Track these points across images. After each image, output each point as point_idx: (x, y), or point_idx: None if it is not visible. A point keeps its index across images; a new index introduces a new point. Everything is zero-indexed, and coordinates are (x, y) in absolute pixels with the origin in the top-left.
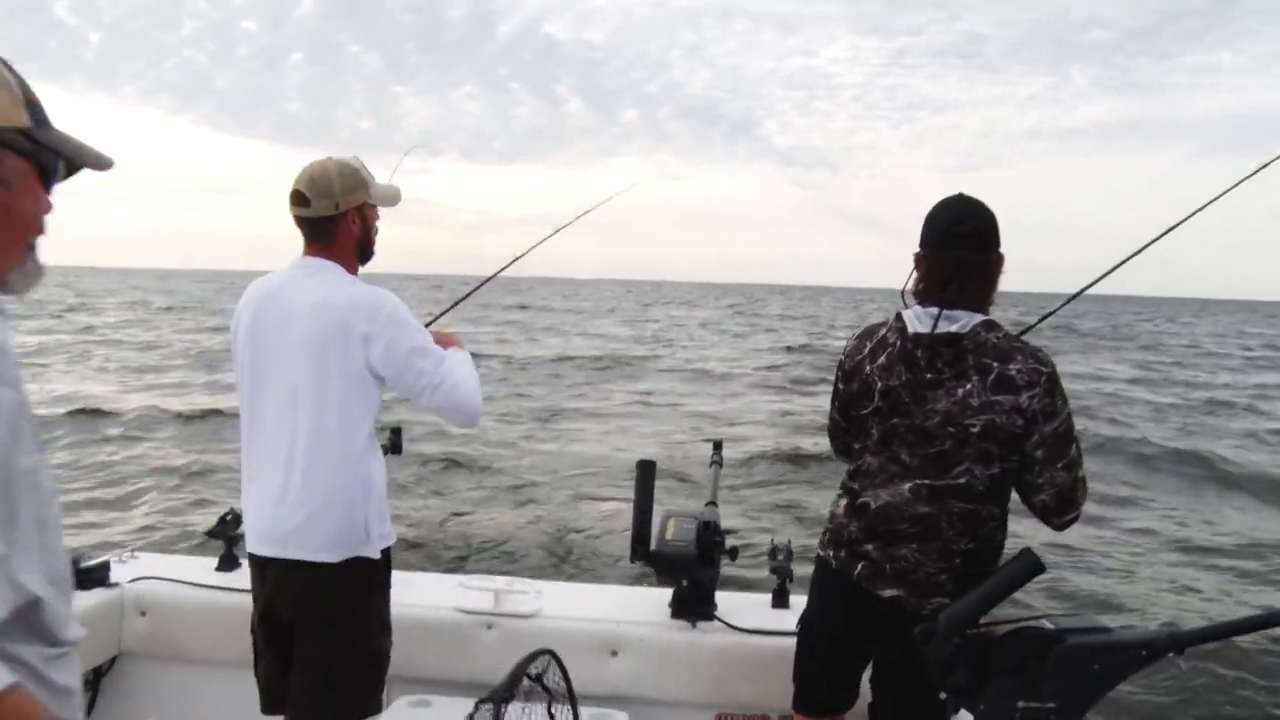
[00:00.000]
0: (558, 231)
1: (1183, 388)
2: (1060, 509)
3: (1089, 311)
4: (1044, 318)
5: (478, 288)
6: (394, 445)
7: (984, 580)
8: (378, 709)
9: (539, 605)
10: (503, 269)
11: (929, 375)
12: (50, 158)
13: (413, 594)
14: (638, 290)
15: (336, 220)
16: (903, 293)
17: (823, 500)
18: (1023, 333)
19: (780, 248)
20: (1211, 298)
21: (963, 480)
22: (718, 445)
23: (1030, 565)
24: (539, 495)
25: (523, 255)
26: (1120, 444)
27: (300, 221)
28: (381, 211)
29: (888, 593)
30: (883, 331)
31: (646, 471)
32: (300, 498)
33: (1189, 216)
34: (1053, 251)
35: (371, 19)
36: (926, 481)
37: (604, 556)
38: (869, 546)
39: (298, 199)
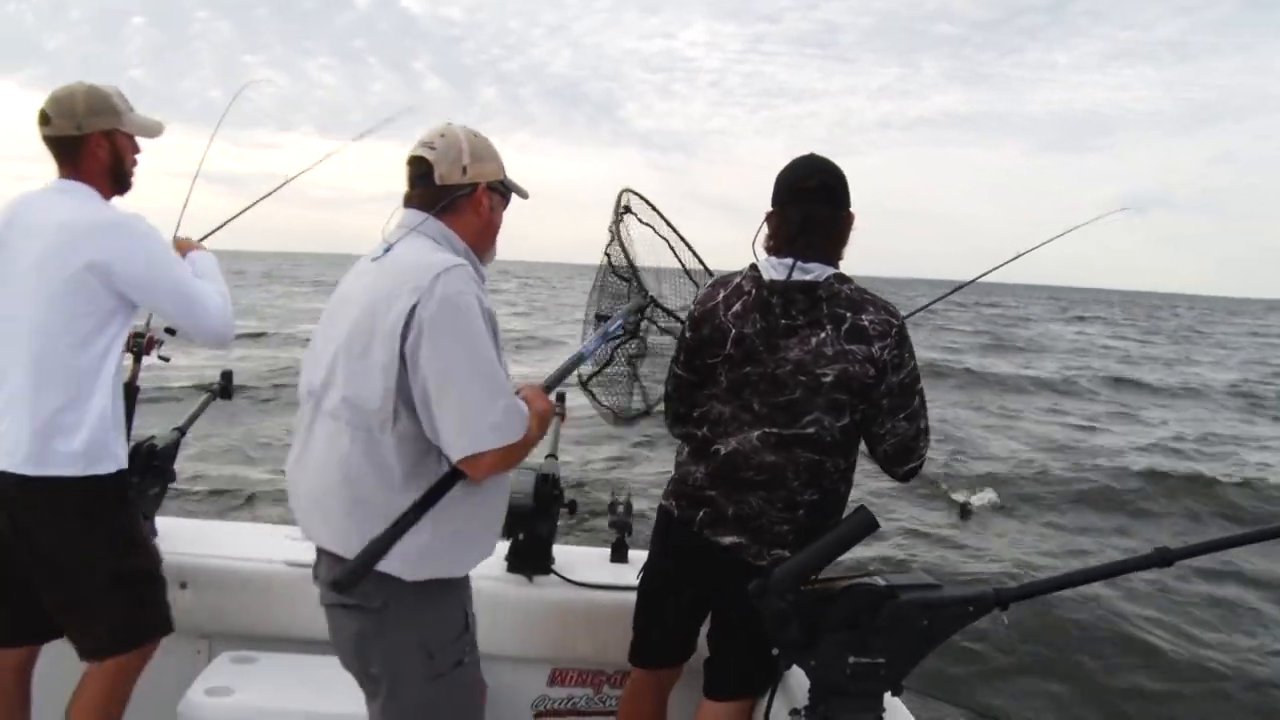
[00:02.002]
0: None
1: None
2: (901, 458)
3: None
4: (936, 300)
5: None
6: (224, 390)
7: (823, 534)
8: (163, 627)
9: None
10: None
11: (784, 322)
12: None
13: (239, 547)
14: (505, 269)
15: (79, 142)
16: (753, 247)
17: (664, 457)
18: (910, 315)
19: (638, 231)
20: (1058, 285)
21: (811, 430)
22: (560, 397)
23: (865, 522)
24: None
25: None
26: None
27: (46, 142)
28: (227, 188)
29: (728, 539)
30: (737, 280)
31: None
32: (23, 411)
33: (1058, 235)
34: (905, 240)
35: None
36: (775, 430)
37: None
38: (713, 492)
39: (41, 118)
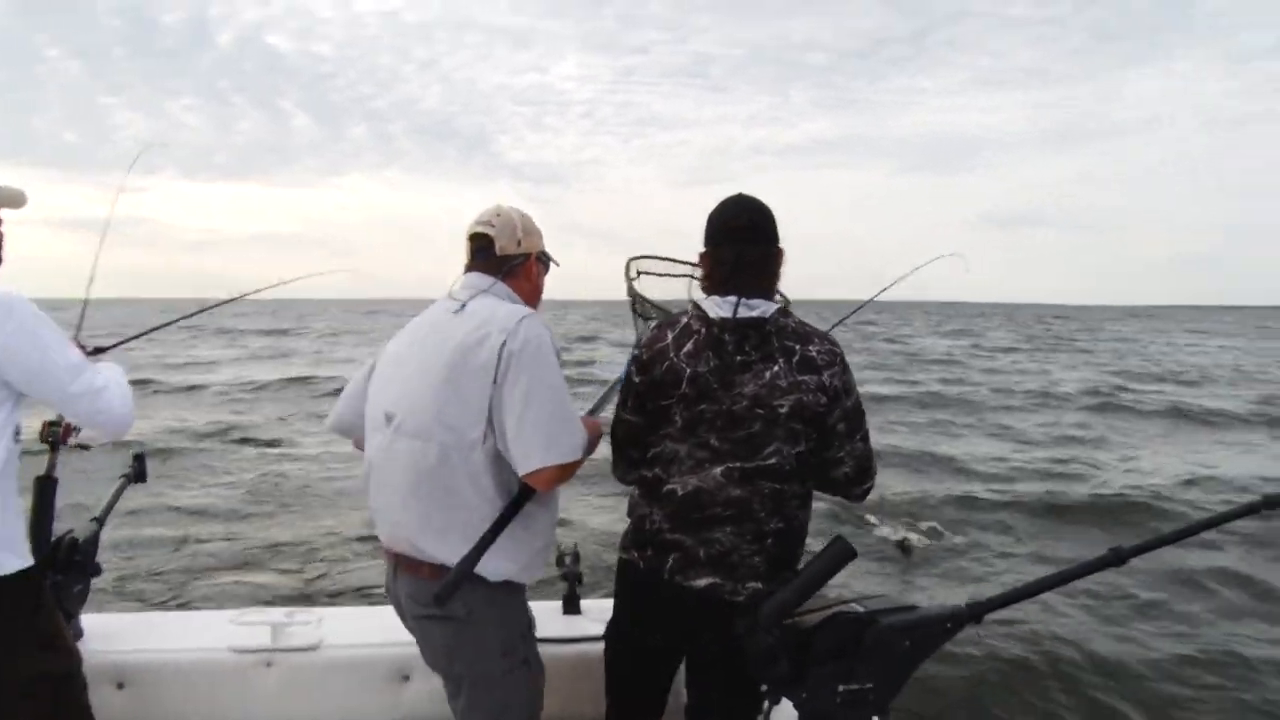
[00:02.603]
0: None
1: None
2: (860, 478)
3: (817, 312)
4: (841, 321)
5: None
6: (138, 473)
7: (791, 561)
8: None
9: (321, 635)
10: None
11: (738, 358)
12: None
13: (180, 636)
14: (378, 309)
15: None
16: (689, 289)
17: (602, 504)
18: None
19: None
20: (917, 300)
21: (772, 460)
22: None
23: (844, 552)
24: (309, 515)
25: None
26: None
27: None
28: (91, 235)
29: (701, 582)
30: (684, 320)
31: None
32: None
33: (895, 281)
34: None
35: (71, 21)
36: (738, 464)
37: (383, 574)
38: (679, 535)
39: None
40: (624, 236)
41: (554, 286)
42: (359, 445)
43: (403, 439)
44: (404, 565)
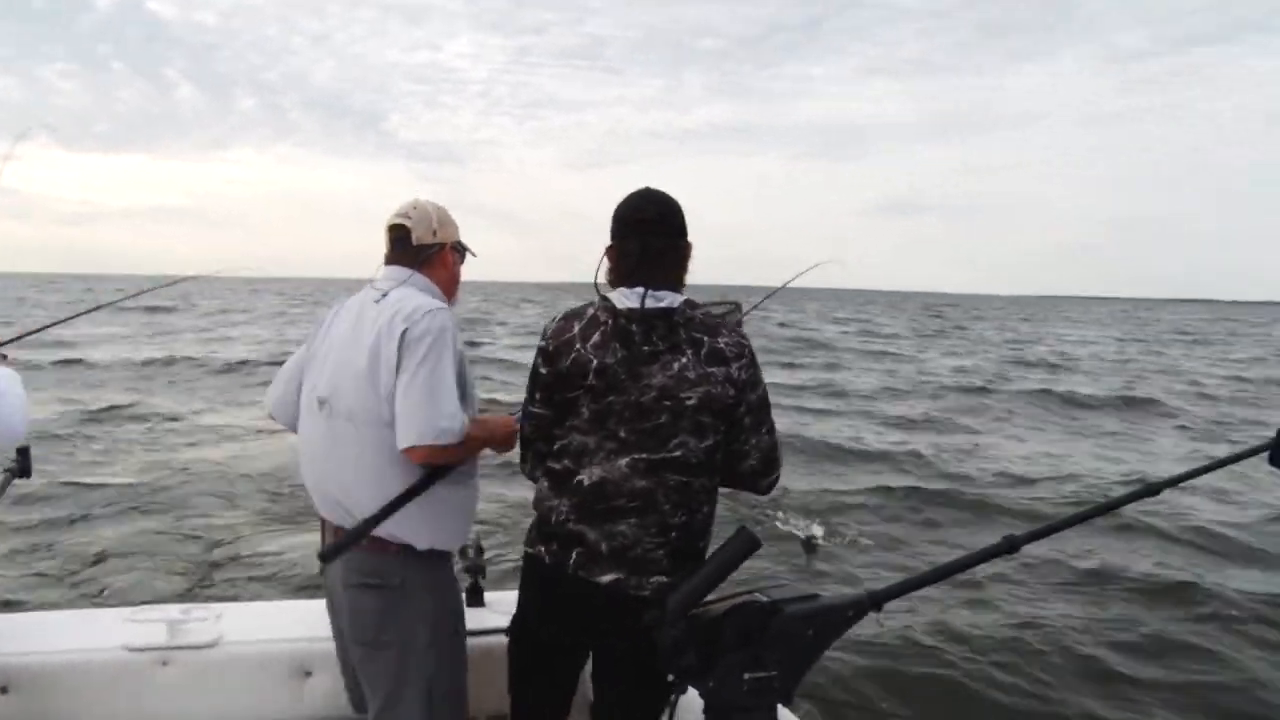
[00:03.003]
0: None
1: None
2: (766, 470)
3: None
4: (753, 308)
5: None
6: (22, 468)
7: (694, 555)
8: None
9: (220, 632)
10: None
11: (645, 349)
12: None
13: (70, 636)
14: (260, 287)
15: None
16: (595, 283)
17: (500, 493)
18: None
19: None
20: (810, 287)
21: (678, 453)
22: None
23: (748, 542)
24: (197, 509)
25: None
26: None
27: None
28: None
29: (606, 578)
30: (591, 312)
31: None
32: None
33: (777, 289)
34: None
35: None
36: (644, 455)
37: (284, 567)
38: (583, 528)
39: None
40: (523, 218)
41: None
42: (293, 428)
43: (337, 420)
44: (339, 536)
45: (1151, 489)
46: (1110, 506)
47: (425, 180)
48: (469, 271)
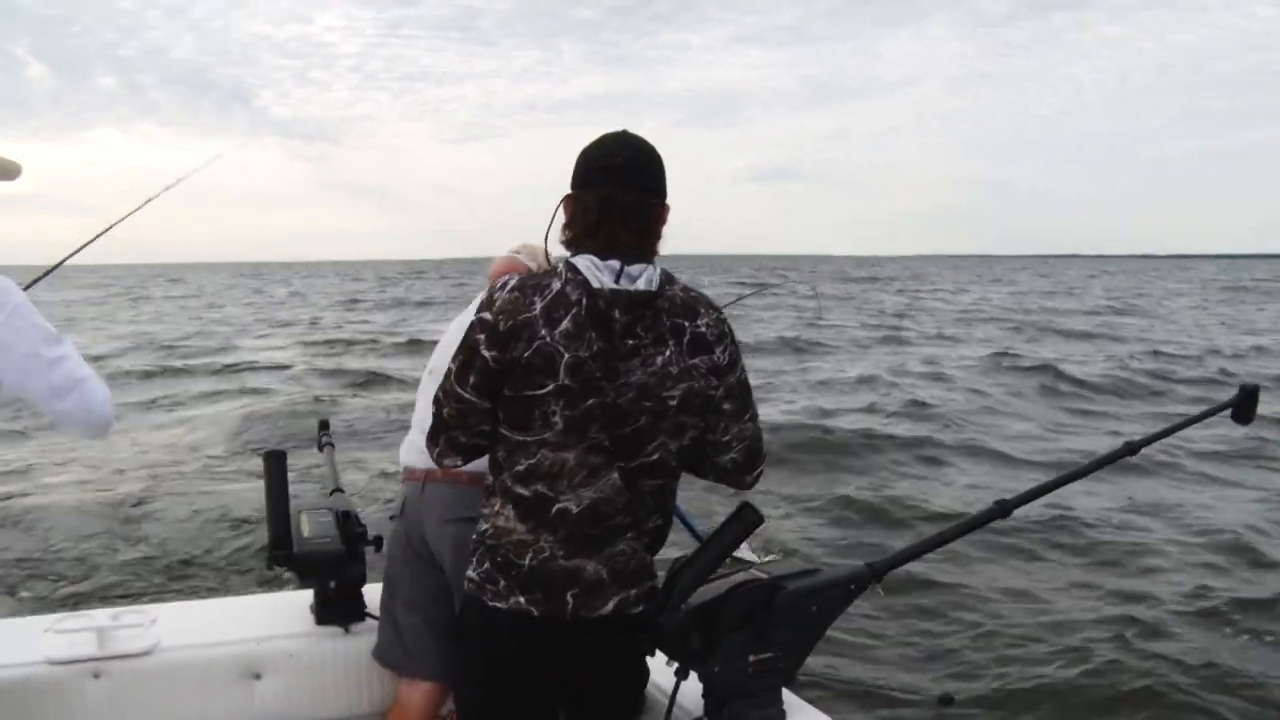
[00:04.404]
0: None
1: None
2: (750, 463)
3: None
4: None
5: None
6: None
7: (657, 549)
8: None
9: (156, 637)
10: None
11: (628, 342)
12: None
13: None
14: (131, 274)
15: None
16: (545, 240)
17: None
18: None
19: (287, 224)
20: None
21: (656, 456)
22: (324, 424)
23: (753, 519)
24: (116, 500)
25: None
26: None
27: None
28: None
29: (610, 605)
30: (555, 285)
31: (277, 464)
32: None
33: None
34: (524, 216)
35: None
36: (623, 464)
37: (218, 563)
38: (580, 561)
39: None
40: (395, 195)
41: (320, 248)
42: None
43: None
44: (434, 478)
45: (1131, 447)
46: (1095, 466)
47: (297, 158)
48: (341, 250)
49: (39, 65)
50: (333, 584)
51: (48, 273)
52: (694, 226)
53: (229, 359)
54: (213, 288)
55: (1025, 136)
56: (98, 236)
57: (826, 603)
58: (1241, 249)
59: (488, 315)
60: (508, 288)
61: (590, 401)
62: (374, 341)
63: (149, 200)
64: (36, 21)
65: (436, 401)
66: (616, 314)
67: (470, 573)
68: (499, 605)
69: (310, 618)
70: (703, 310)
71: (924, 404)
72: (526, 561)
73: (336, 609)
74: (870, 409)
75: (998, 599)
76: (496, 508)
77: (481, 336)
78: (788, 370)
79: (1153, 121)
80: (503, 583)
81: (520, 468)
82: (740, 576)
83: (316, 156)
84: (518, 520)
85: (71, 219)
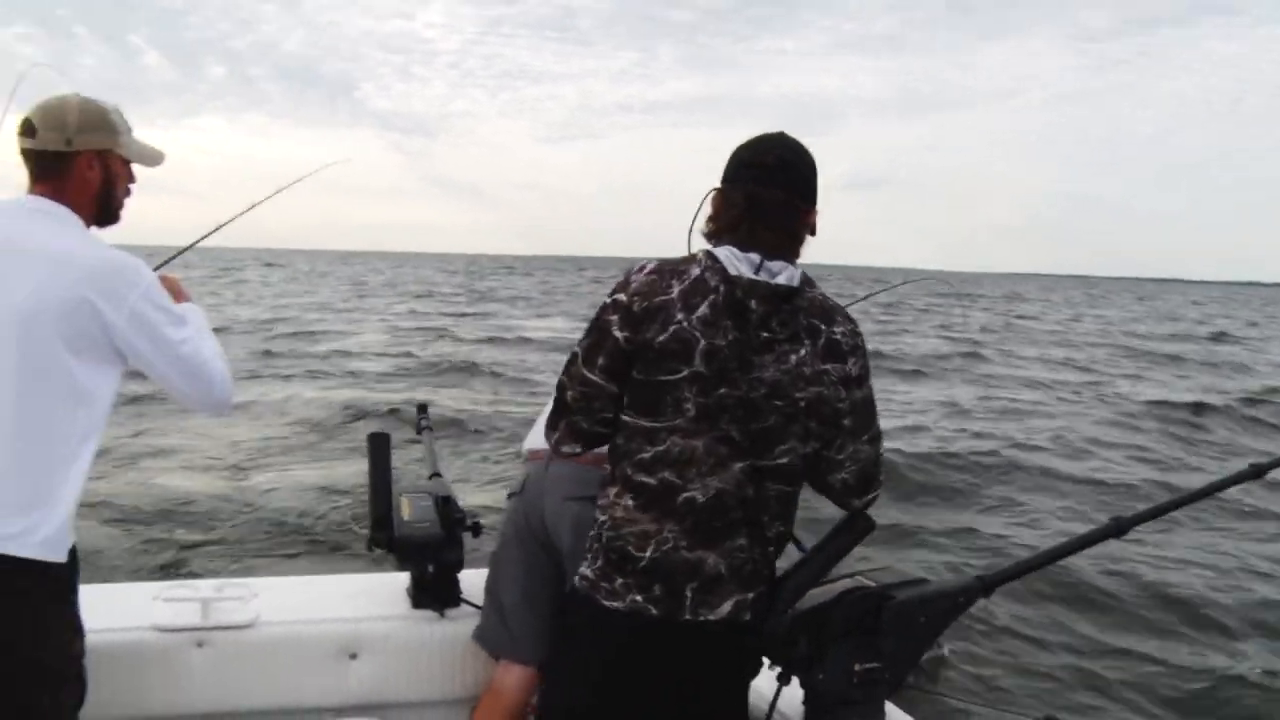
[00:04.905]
0: (254, 206)
1: None
2: (862, 487)
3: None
4: (868, 295)
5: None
6: None
7: (773, 565)
8: None
9: (257, 611)
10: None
11: (763, 335)
12: None
13: (97, 614)
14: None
15: (68, 159)
16: (690, 231)
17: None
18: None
19: (382, 215)
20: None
21: (785, 460)
22: (423, 408)
23: (865, 525)
24: (219, 476)
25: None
26: None
27: (25, 155)
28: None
29: (726, 606)
30: (694, 270)
31: (380, 446)
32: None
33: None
34: (644, 216)
35: None
36: (753, 461)
37: (320, 540)
38: (702, 553)
39: (25, 128)
40: (489, 191)
41: (409, 239)
42: None
43: None
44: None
45: (1257, 470)
46: (1217, 488)
47: (396, 151)
48: (431, 242)
49: (155, 53)
50: (431, 568)
51: (177, 254)
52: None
53: (324, 345)
54: (307, 272)
55: (1124, 154)
56: (229, 221)
57: (935, 614)
58: None
59: (622, 296)
60: (645, 270)
61: (723, 390)
62: (459, 333)
63: (280, 190)
64: (156, 12)
65: (560, 386)
66: (754, 304)
67: (585, 569)
68: (615, 605)
69: (406, 600)
70: (840, 319)
71: None
72: (648, 554)
73: (433, 593)
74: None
75: (1112, 624)
76: (613, 497)
77: (615, 318)
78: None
79: (1265, 145)
80: (619, 580)
81: (646, 455)
82: (848, 584)
83: (414, 150)
84: (639, 510)
85: (176, 201)
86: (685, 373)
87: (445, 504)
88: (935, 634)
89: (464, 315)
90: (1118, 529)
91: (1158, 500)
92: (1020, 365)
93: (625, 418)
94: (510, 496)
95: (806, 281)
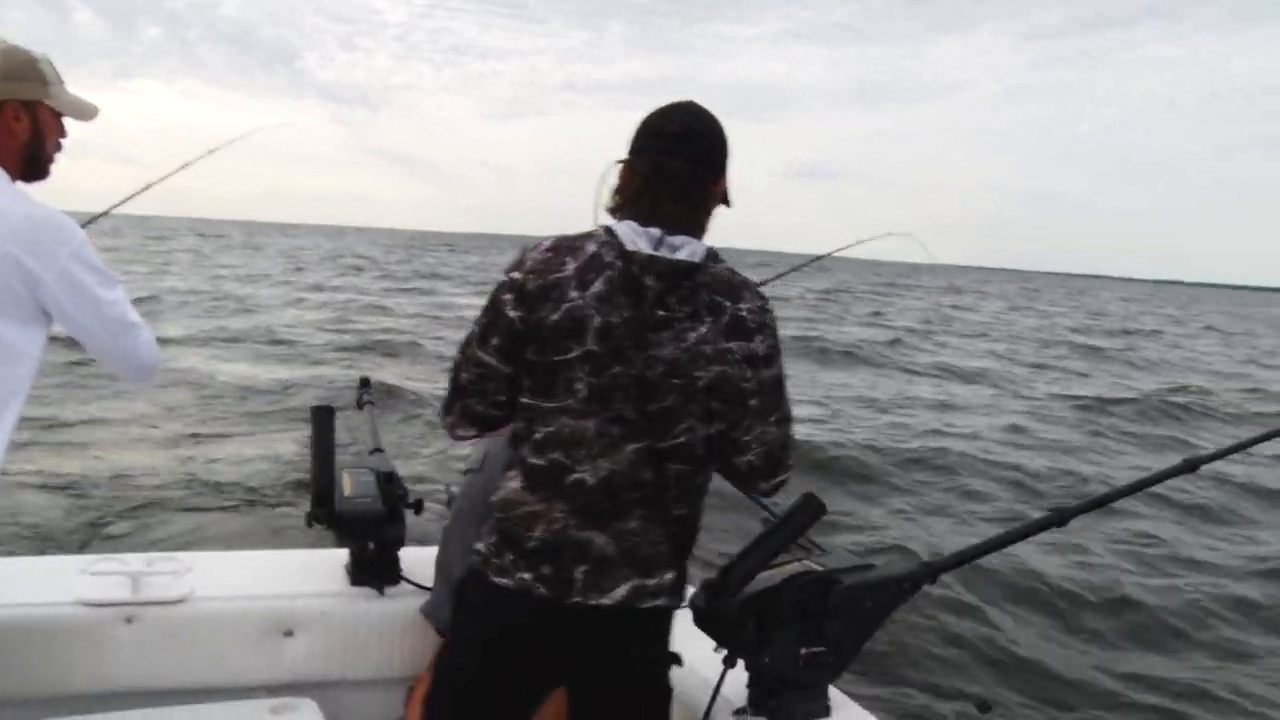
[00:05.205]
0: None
1: None
2: (769, 470)
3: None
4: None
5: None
6: None
7: (688, 550)
8: None
9: (190, 586)
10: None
11: (659, 313)
12: None
13: (20, 588)
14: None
15: None
16: (595, 205)
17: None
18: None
19: (321, 186)
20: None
21: (683, 439)
22: (365, 382)
23: (815, 507)
24: (153, 447)
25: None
26: None
27: None
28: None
29: (621, 591)
30: (590, 246)
31: (324, 420)
32: None
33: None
34: (582, 199)
35: None
36: (649, 442)
37: (255, 509)
38: (591, 533)
39: None
40: (433, 166)
41: (349, 212)
42: None
43: None
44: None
45: (1190, 464)
46: (1153, 480)
47: (337, 122)
48: (372, 217)
49: (87, 11)
50: (371, 545)
51: (97, 218)
52: (725, 219)
53: (253, 319)
54: (243, 244)
55: (1065, 151)
56: (157, 182)
57: (882, 600)
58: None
59: (517, 275)
60: (541, 247)
61: (616, 369)
62: (398, 309)
63: (212, 151)
64: None
65: (455, 367)
66: (650, 281)
67: (479, 544)
68: (504, 582)
69: (344, 577)
70: (747, 295)
71: None
72: (537, 533)
73: (373, 570)
74: None
75: (1050, 612)
76: (508, 479)
77: (509, 297)
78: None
79: (1197, 148)
80: (509, 557)
81: (538, 435)
82: (795, 567)
83: (356, 122)
84: (528, 491)
85: (108, 167)
86: (578, 352)
87: (388, 480)
88: (881, 619)
89: (405, 290)
90: (1059, 519)
91: (1093, 492)
92: (947, 354)
93: (523, 400)
94: (467, 473)
95: (711, 256)
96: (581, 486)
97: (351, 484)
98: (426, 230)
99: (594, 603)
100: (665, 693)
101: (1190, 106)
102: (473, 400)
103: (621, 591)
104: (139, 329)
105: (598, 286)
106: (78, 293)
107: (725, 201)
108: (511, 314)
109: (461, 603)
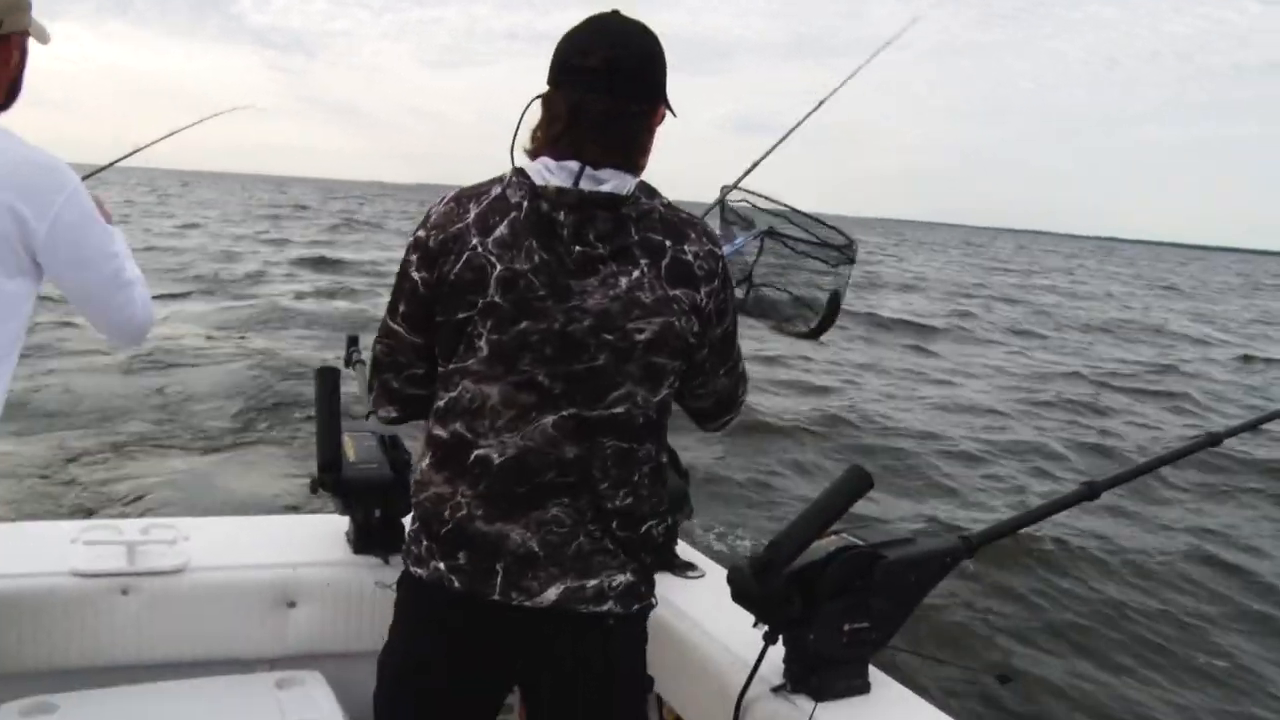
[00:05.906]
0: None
1: None
2: (718, 411)
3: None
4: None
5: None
6: None
7: (646, 542)
8: None
9: (187, 555)
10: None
11: (578, 250)
12: None
13: (7, 558)
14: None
15: None
16: (512, 150)
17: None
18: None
19: (259, 136)
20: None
21: (621, 409)
22: (353, 339)
23: (863, 480)
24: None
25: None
26: None
27: None
28: None
29: (552, 594)
30: (497, 190)
31: (329, 382)
32: None
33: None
34: (504, 149)
35: None
36: (574, 410)
37: (252, 479)
38: (501, 525)
39: None
40: (366, 113)
41: (277, 161)
42: None
43: None
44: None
45: (1214, 438)
46: (1179, 454)
47: (273, 69)
48: (309, 166)
49: None
50: (377, 512)
51: (97, 171)
52: (662, 169)
53: (195, 270)
54: (178, 195)
55: (1005, 108)
56: (148, 145)
57: (925, 574)
58: (1207, 240)
59: (421, 233)
60: (445, 199)
61: (524, 324)
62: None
63: (193, 124)
64: None
65: (374, 342)
66: (562, 216)
67: (409, 526)
68: (420, 572)
69: (346, 545)
70: (694, 235)
71: None
72: (445, 519)
73: (377, 538)
74: None
75: (1081, 586)
76: (420, 461)
77: (414, 257)
78: None
79: (1137, 107)
80: (425, 544)
81: (440, 403)
82: (837, 541)
83: (292, 69)
84: (433, 469)
85: (34, 114)
86: (479, 306)
87: (392, 444)
88: (923, 594)
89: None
90: (1091, 492)
91: (1127, 464)
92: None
93: (438, 369)
94: None
95: (647, 191)
96: (487, 466)
97: (355, 449)
98: (371, 180)
99: (517, 604)
100: (639, 712)
101: (1129, 66)
102: (389, 375)
103: (552, 594)
104: (135, 285)
105: (501, 230)
106: (74, 243)
107: (661, 119)
108: (415, 276)
109: (400, 586)
